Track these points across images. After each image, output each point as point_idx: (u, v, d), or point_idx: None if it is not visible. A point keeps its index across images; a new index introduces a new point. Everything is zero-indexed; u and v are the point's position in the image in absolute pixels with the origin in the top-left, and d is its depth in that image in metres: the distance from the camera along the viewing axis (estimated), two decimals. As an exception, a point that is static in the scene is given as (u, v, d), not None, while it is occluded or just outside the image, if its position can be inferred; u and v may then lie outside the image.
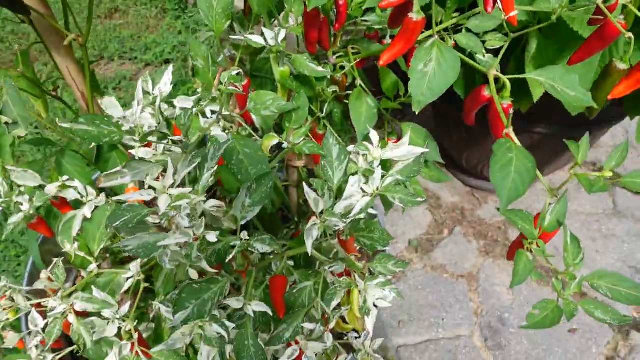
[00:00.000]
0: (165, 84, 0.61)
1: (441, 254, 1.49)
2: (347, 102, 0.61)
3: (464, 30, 0.72)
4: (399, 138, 0.62)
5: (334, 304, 0.49)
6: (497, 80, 0.42)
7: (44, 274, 0.69)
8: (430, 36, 0.45)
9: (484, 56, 0.71)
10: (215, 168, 0.40)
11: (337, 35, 0.61)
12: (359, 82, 0.57)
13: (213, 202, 0.41)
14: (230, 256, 0.41)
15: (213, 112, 0.59)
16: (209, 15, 0.47)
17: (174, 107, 0.63)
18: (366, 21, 0.62)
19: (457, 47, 0.70)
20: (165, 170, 0.50)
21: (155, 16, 2.26)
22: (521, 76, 0.42)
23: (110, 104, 0.57)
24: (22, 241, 1.26)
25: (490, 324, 1.32)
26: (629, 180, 0.48)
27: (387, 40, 0.72)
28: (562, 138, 1.42)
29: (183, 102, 0.63)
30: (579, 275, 0.50)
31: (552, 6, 0.38)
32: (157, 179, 0.50)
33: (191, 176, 0.43)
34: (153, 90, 0.61)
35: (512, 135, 0.39)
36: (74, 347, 0.64)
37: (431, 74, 0.40)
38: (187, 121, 0.46)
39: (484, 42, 0.71)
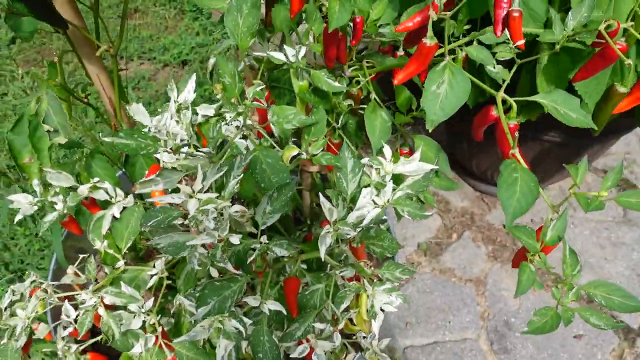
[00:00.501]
0: (189, 92, 0.65)
1: (450, 258, 1.52)
2: (362, 112, 0.65)
3: (475, 43, 0.74)
4: (411, 149, 0.65)
5: (343, 306, 0.53)
6: (504, 101, 0.45)
7: (70, 270, 0.73)
8: (442, 55, 0.48)
9: (494, 67, 0.73)
10: (241, 176, 0.43)
11: (353, 49, 0.64)
12: (373, 95, 0.61)
13: (237, 207, 0.44)
14: (251, 258, 0.44)
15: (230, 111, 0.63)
16: (235, 32, 0.51)
17: (197, 113, 0.67)
18: (381, 35, 0.65)
19: (469, 59, 0.73)
20: (188, 176, 0.54)
21: (174, 17, 2.31)
22: (528, 98, 0.45)
23: (137, 111, 0.61)
24: (44, 235, 1.31)
25: (496, 327, 1.35)
26: (624, 200, 0.51)
27: (400, 52, 0.75)
28: (572, 146, 1.43)
29: (205, 109, 0.67)
30: (577, 285, 0.52)
31: (556, 37, 0.41)
32: (181, 182, 0.54)
33: (217, 183, 0.47)
34: (178, 97, 0.65)
35: (518, 155, 0.42)
36: (97, 338, 0.69)
37: (443, 95, 0.43)
38: (216, 134, 0.50)
39: (494, 53, 0.74)
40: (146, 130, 0.59)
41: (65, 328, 0.70)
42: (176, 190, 0.49)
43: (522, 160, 0.42)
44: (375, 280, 0.55)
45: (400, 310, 1.36)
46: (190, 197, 0.43)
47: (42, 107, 0.57)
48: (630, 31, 0.47)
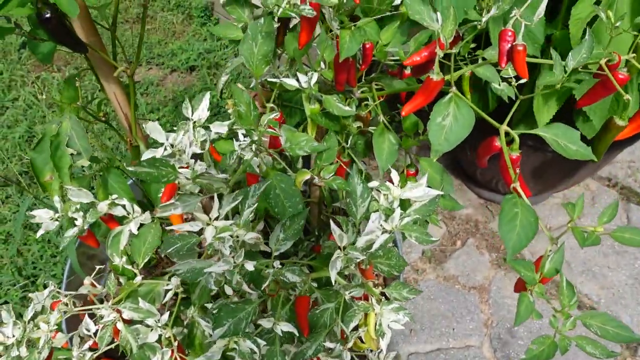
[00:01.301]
0: (203, 110, 0.68)
1: (454, 265, 1.54)
2: (370, 132, 0.67)
3: (480, 60, 0.76)
4: (417, 169, 0.67)
5: (353, 325, 0.55)
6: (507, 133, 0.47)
7: (87, 281, 0.76)
8: (449, 86, 0.50)
9: (499, 85, 0.75)
10: (255, 205, 0.46)
11: (362, 72, 0.66)
12: (382, 118, 0.63)
13: (252, 234, 0.46)
14: (265, 284, 0.46)
15: (245, 136, 0.65)
16: (250, 60, 0.53)
17: (210, 130, 0.70)
18: (390, 60, 0.67)
19: (474, 76, 0.74)
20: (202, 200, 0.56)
21: (182, 22, 2.33)
22: (530, 132, 0.47)
23: (153, 129, 0.64)
24: (57, 241, 1.34)
25: (499, 335, 1.37)
26: (618, 235, 0.53)
27: (408, 71, 0.77)
28: (558, 175, 1.43)
29: (218, 127, 0.69)
30: (573, 315, 0.54)
31: (556, 79, 0.43)
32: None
33: (232, 208, 0.49)
34: (192, 115, 0.67)
35: (519, 189, 0.44)
36: (110, 346, 0.71)
37: (448, 127, 0.45)
38: (235, 164, 0.52)
39: (499, 70, 0.75)
40: (163, 149, 0.61)
41: (81, 338, 0.73)
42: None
43: (523, 194, 0.44)
44: (383, 299, 0.57)
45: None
46: (208, 224, 0.45)
47: (63, 128, 0.59)
48: (632, 62, 0.49)
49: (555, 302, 1.47)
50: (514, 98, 0.78)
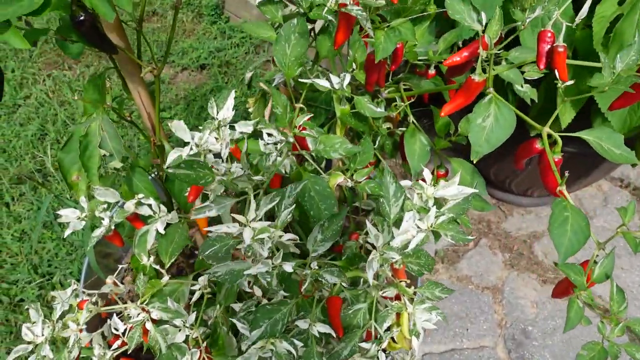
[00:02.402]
0: (228, 109, 0.67)
1: (467, 265, 1.53)
2: (399, 133, 0.66)
3: (504, 62, 0.75)
4: (447, 170, 0.67)
5: (386, 325, 0.54)
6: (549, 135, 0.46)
7: (109, 280, 0.76)
8: (487, 89, 0.50)
9: (522, 87, 0.75)
10: (293, 206, 0.45)
11: (390, 72, 0.66)
12: (412, 119, 0.62)
13: (290, 235, 0.46)
14: (305, 286, 0.46)
15: (269, 135, 0.65)
16: (283, 62, 0.53)
17: (234, 129, 0.69)
18: (419, 61, 0.66)
19: (497, 78, 0.74)
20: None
21: (192, 20, 2.33)
22: (574, 134, 0.46)
23: (178, 127, 0.64)
24: (72, 239, 1.34)
25: (514, 336, 1.36)
26: None
27: (432, 71, 0.77)
28: (589, 157, 1.44)
29: (243, 127, 0.69)
30: (623, 320, 0.54)
31: (605, 81, 0.42)
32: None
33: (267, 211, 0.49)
34: (217, 114, 0.67)
35: (565, 192, 0.44)
36: (128, 346, 0.71)
37: (489, 128, 0.45)
38: (271, 165, 0.52)
39: (522, 72, 0.75)
40: (189, 148, 0.61)
41: (104, 337, 0.73)
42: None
43: (569, 197, 0.44)
44: (415, 299, 0.57)
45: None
46: (245, 226, 0.45)
47: (92, 129, 0.59)
48: None
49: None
50: (535, 100, 0.77)
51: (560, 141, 0.47)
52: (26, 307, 1.21)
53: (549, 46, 0.48)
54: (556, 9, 0.44)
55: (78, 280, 1.25)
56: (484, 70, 0.45)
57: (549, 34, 0.48)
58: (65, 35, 0.57)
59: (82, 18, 0.53)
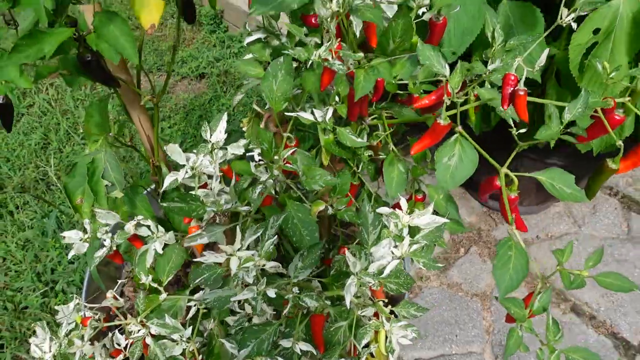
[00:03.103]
0: (221, 132, 0.72)
1: (457, 272, 1.58)
2: (380, 158, 0.71)
3: (486, 84, 0.80)
4: (424, 195, 0.71)
5: (364, 342, 0.59)
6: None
7: (110, 294, 0.80)
8: (453, 131, 0.54)
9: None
10: (275, 238, 0.50)
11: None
12: (391, 147, 0.67)
13: (272, 264, 0.51)
14: (286, 310, 0.51)
15: (260, 155, 0.69)
16: (270, 97, 0.57)
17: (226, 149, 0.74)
18: (399, 91, 0.71)
19: (478, 99, 0.79)
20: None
21: (191, 29, 2.37)
22: (529, 175, 0.51)
23: (173, 150, 0.68)
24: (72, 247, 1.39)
25: (501, 342, 1.41)
26: (602, 279, 0.57)
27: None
28: (575, 169, 1.49)
29: (235, 149, 0.74)
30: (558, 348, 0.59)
31: (553, 131, 0.47)
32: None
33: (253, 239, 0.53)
34: (210, 137, 0.71)
35: (514, 232, 0.48)
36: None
37: (454, 166, 0.49)
38: (257, 199, 0.56)
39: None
40: (184, 172, 0.66)
41: (107, 349, 0.77)
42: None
43: (518, 236, 0.48)
44: (392, 317, 0.62)
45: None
46: (232, 255, 0.49)
47: (98, 158, 0.64)
48: (628, 104, 0.53)
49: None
50: (517, 120, 0.82)
51: (516, 181, 0.52)
52: (30, 313, 1.26)
53: (512, 89, 0.52)
54: (516, 58, 0.49)
55: (80, 289, 1.30)
56: (453, 105, 0.50)
57: (512, 77, 0.52)
58: (72, 72, 0.62)
59: (89, 59, 0.57)
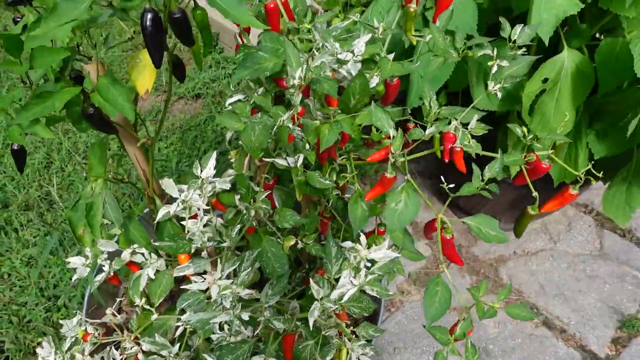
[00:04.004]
0: (210, 168, 0.81)
1: (437, 287, 1.67)
2: (347, 198, 0.80)
3: (454, 121, 0.90)
4: (386, 227, 0.81)
5: (328, 358, 0.68)
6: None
7: (109, 311, 0.90)
8: (406, 175, 0.64)
9: (469, 142, 0.89)
10: (250, 269, 0.59)
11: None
12: (357, 187, 0.76)
13: (247, 291, 0.60)
14: (257, 331, 0.60)
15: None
16: (249, 146, 0.67)
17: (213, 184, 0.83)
18: (365, 135, 0.80)
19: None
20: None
21: (188, 50, 2.48)
22: (461, 220, 0.60)
23: (168, 185, 0.78)
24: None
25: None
26: (511, 311, 0.67)
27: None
28: (547, 193, 1.58)
29: (222, 183, 0.83)
30: None
31: (474, 187, 0.56)
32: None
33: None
34: (201, 173, 0.81)
35: (445, 270, 0.58)
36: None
37: (400, 211, 0.59)
38: (236, 236, 0.65)
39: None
40: (176, 205, 0.75)
41: (104, 361, 0.86)
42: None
43: (448, 273, 0.58)
44: (353, 337, 0.71)
45: (389, 336, 1.51)
46: (213, 283, 0.59)
47: (96, 194, 0.73)
48: (551, 156, 0.62)
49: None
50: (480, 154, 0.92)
51: (450, 226, 0.61)
52: (34, 327, 1.35)
53: (450, 145, 0.62)
54: (453, 122, 0.58)
55: (81, 304, 1.39)
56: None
57: (451, 135, 0.62)
58: (76, 122, 0.72)
59: (91, 112, 0.67)
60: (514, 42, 0.60)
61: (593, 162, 0.96)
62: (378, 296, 0.64)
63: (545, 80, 0.90)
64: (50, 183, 1.78)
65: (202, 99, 2.24)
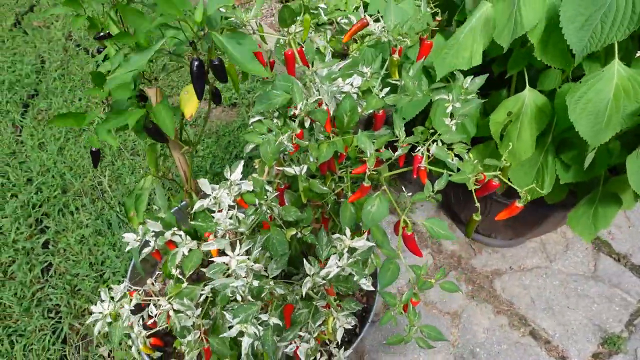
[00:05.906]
0: (238, 173, 1.03)
1: (434, 293, 1.83)
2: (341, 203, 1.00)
3: (438, 142, 1.08)
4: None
5: (318, 323, 0.88)
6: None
7: (149, 280, 1.13)
8: (382, 185, 0.83)
9: (452, 160, 1.08)
10: (260, 248, 0.80)
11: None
12: (349, 194, 0.96)
13: (258, 265, 0.81)
14: (263, 294, 0.80)
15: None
16: (265, 157, 0.88)
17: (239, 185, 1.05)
18: (361, 153, 1.00)
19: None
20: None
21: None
22: (417, 222, 0.79)
23: (203, 184, 0.99)
24: (119, 244, 1.73)
25: (462, 355, 1.65)
26: (444, 285, 0.84)
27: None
28: (537, 210, 1.72)
29: (247, 185, 1.04)
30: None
31: (425, 195, 0.75)
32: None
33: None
34: (230, 176, 1.02)
35: (402, 257, 0.77)
36: (158, 328, 1.06)
37: (373, 212, 0.78)
38: (250, 224, 0.86)
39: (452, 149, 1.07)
40: (209, 200, 0.97)
41: (143, 318, 1.09)
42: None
43: (401, 257, 0.77)
44: (339, 308, 0.91)
45: (385, 332, 1.68)
46: (232, 258, 0.80)
47: (144, 186, 0.96)
48: (499, 177, 0.81)
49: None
50: (461, 169, 1.10)
51: (410, 224, 0.80)
52: (83, 294, 1.60)
53: (418, 165, 0.81)
54: (423, 144, 0.78)
55: (124, 277, 1.64)
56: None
57: (420, 156, 0.81)
58: (138, 132, 0.95)
59: (150, 127, 0.90)
60: (466, 88, 0.79)
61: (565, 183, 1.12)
62: (356, 275, 0.84)
63: (510, 113, 1.07)
64: (102, 174, 2.05)
65: (237, 107, 2.49)
